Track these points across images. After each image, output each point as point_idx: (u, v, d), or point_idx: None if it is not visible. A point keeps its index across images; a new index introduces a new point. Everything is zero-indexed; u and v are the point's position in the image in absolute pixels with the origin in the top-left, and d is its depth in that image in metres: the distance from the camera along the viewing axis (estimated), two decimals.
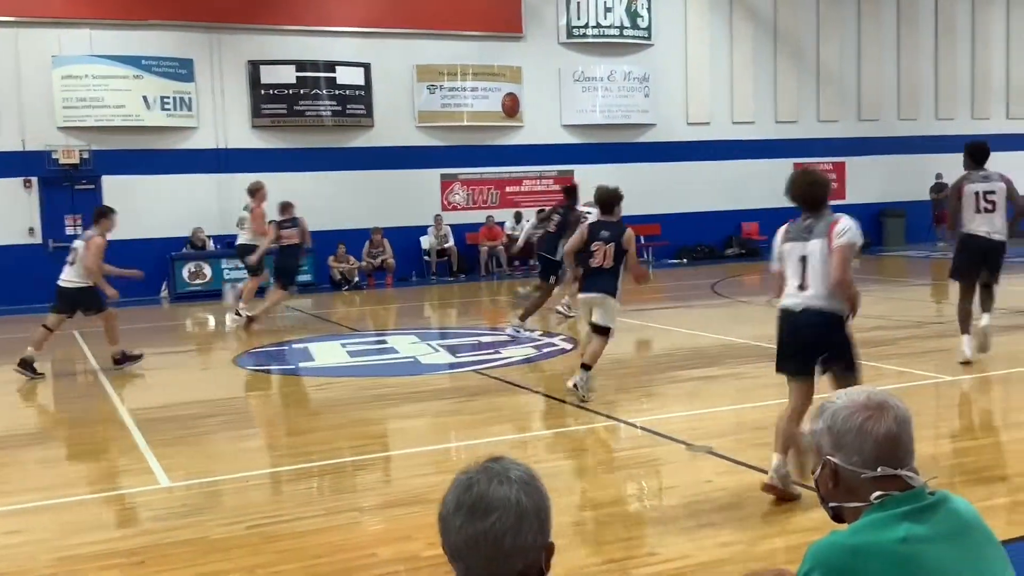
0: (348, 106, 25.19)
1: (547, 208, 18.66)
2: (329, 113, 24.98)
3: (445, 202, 26.61)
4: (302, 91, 24.68)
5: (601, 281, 10.27)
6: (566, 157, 27.50)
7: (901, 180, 31.22)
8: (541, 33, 27.19)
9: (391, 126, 25.69)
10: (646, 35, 28.25)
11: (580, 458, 8.46)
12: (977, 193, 11.16)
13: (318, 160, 24.99)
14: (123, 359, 13.49)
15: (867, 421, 2.81)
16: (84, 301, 13.23)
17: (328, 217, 24.19)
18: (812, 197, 6.82)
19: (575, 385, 10.23)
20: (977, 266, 11.32)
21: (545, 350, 13.73)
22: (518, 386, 11.31)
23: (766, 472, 6.90)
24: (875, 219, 30.75)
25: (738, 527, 6.37)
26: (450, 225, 26.22)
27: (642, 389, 10.99)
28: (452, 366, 12.75)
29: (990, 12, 32.44)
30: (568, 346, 13.92)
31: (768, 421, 8.03)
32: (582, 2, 27.52)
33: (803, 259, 6.78)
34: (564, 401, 10.28)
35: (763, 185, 28.36)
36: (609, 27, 27.83)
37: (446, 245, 26.04)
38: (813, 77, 30.47)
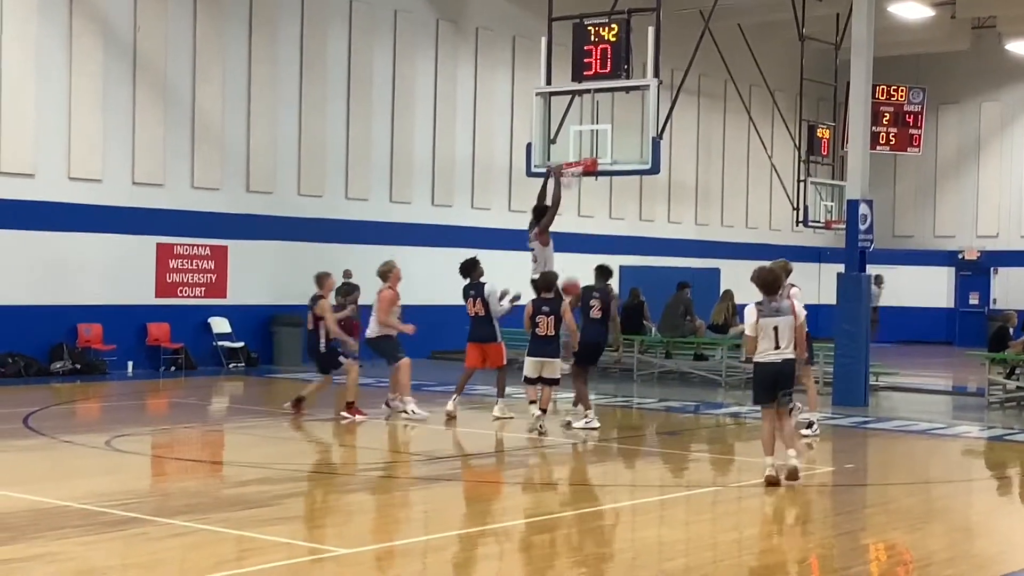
0: None
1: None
2: None
3: None
4: None
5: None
6: None
7: (301, 275, 23.24)
8: None
9: None
10: None
11: None
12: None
13: None
14: None
15: None
16: None
17: None
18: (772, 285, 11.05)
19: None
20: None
21: None
22: None
23: None
24: (264, 328, 23.19)
25: None
26: None
27: None
28: None
29: (414, 74, 25.76)
30: None
31: None
32: None
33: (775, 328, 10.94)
34: None
35: (110, 271, 20.83)
36: None
37: None
38: (187, 127, 22.02)
